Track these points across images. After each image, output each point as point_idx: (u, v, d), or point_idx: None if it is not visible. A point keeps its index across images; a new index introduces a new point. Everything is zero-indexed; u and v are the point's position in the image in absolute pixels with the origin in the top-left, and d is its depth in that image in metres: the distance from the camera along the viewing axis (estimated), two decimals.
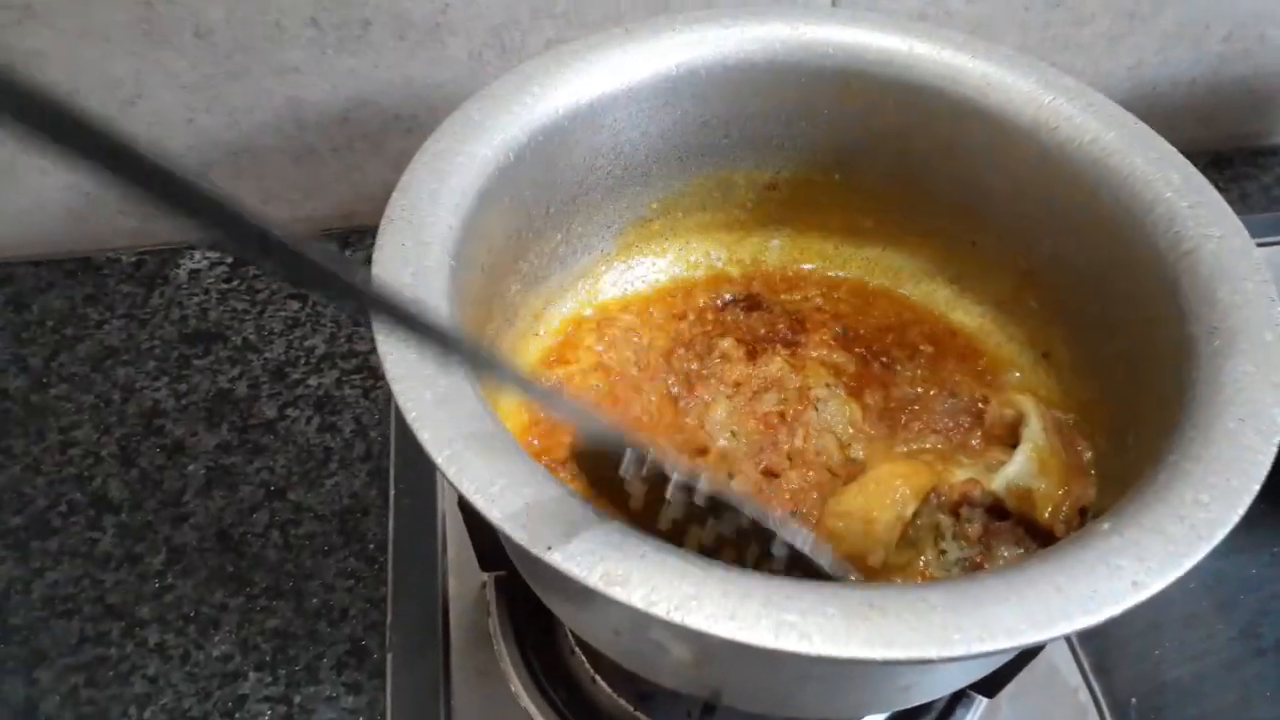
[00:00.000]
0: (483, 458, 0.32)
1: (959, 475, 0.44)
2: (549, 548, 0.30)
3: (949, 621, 0.29)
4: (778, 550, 0.34)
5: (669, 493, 0.34)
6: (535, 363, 0.49)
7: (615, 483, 0.35)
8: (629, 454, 0.34)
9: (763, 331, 0.52)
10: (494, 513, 0.31)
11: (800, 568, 0.35)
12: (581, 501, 0.32)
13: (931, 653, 0.28)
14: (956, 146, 0.48)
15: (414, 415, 0.32)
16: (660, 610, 0.29)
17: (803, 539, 0.35)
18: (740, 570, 0.30)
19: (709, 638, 0.29)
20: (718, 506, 0.35)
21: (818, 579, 0.34)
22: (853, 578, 0.38)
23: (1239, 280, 0.39)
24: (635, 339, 0.51)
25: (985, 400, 0.48)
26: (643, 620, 0.29)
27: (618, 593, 0.29)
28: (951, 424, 0.47)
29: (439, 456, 0.32)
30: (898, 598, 0.30)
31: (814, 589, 0.30)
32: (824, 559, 0.35)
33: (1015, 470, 0.44)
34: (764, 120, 0.50)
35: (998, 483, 0.43)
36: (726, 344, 0.50)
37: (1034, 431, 0.45)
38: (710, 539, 0.35)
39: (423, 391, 0.33)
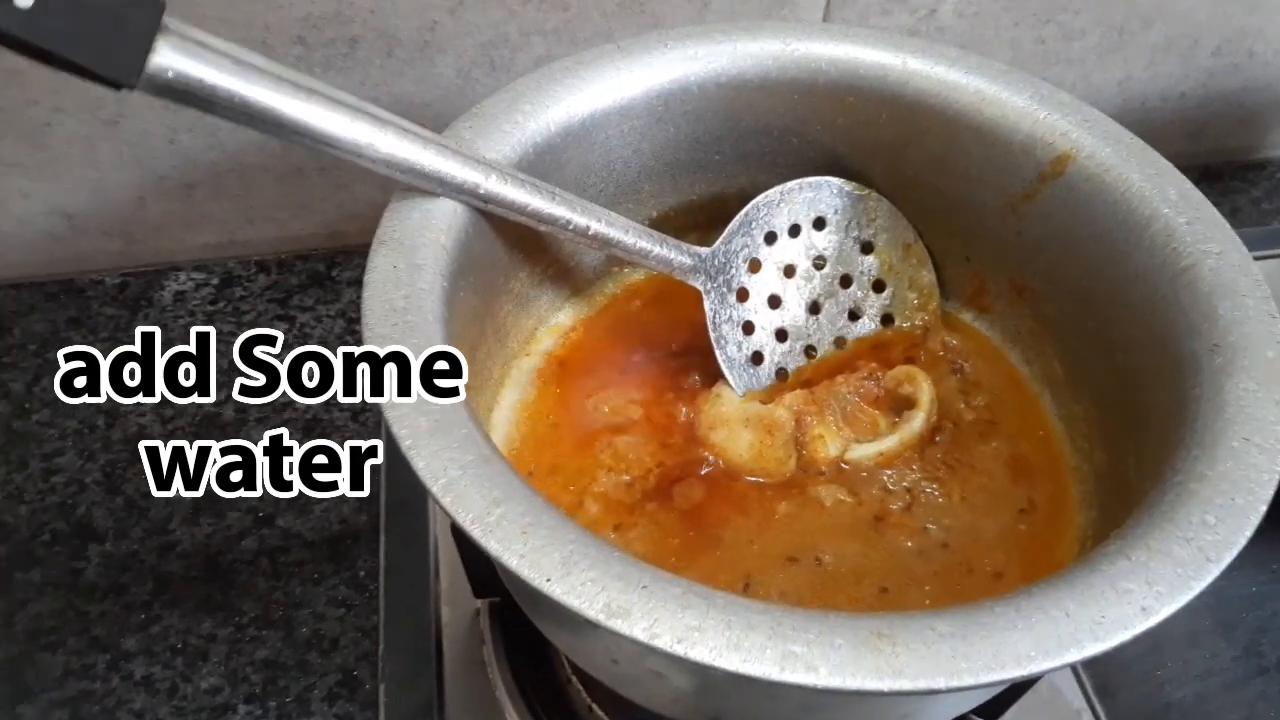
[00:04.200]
0: (479, 486, 0.31)
1: (830, 448, 0.46)
2: (548, 579, 0.29)
3: (957, 650, 0.28)
4: None
5: None
6: (527, 384, 0.49)
7: None
8: None
9: None
10: (491, 543, 0.30)
11: None
12: (580, 530, 0.31)
13: (940, 683, 0.28)
14: (950, 161, 0.48)
15: (409, 443, 0.32)
16: (663, 643, 0.28)
17: None
18: (744, 600, 0.29)
19: (713, 670, 0.28)
20: None
21: None
22: None
23: (1239, 296, 0.38)
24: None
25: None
26: (644, 652, 0.28)
27: (619, 625, 0.28)
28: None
29: (434, 485, 0.31)
30: (905, 626, 0.29)
31: (820, 618, 0.29)
32: None
33: (862, 453, 0.46)
34: (757, 137, 0.50)
35: (850, 454, 0.46)
36: None
37: (912, 430, 0.46)
38: None
39: (417, 418, 0.32)
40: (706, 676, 0.33)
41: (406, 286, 0.37)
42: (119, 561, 0.55)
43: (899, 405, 0.47)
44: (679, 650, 0.28)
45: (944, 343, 0.50)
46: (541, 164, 0.45)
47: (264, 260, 0.71)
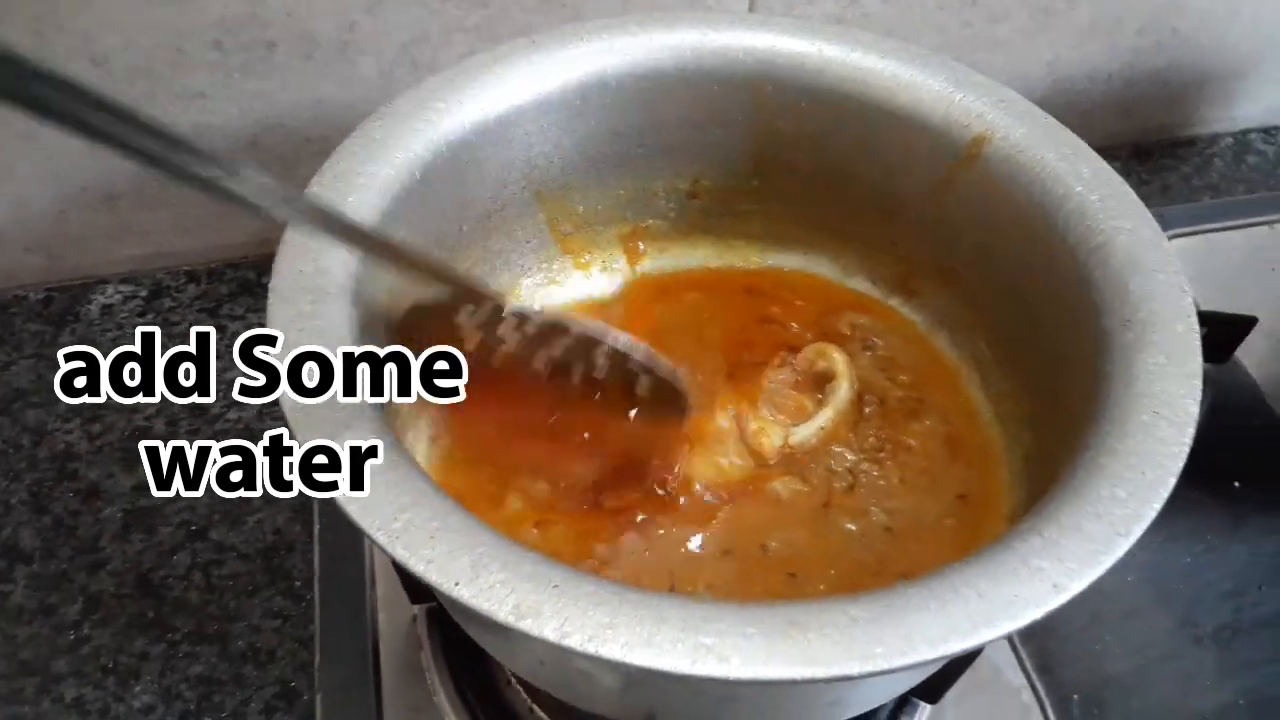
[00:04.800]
0: (386, 491, 0.31)
1: (773, 438, 0.45)
2: (456, 583, 0.29)
3: (871, 635, 0.28)
4: (600, 360, 0.39)
5: (502, 330, 0.38)
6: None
7: (448, 333, 0.38)
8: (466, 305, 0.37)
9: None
10: (398, 550, 0.29)
11: (631, 379, 0.39)
12: (491, 532, 0.30)
13: (854, 668, 0.28)
14: (871, 148, 0.48)
15: (311, 448, 0.31)
16: (574, 641, 0.28)
17: (631, 346, 0.39)
18: (657, 594, 0.29)
19: (626, 666, 0.28)
20: (549, 333, 0.39)
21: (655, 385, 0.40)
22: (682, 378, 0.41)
23: (1150, 272, 0.39)
24: None
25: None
26: (563, 652, 0.28)
27: (529, 625, 0.28)
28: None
29: (339, 491, 0.30)
30: (818, 613, 0.29)
31: (734, 609, 0.29)
32: (658, 364, 0.39)
33: (804, 433, 0.46)
34: (678, 128, 0.50)
35: (794, 439, 0.46)
36: None
37: (840, 398, 0.46)
38: (545, 363, 0.39)
39: (319, 423, 0.32)
40: (628, 674, 0.33)
41: (314, 291, 0.37)
42: (47, 582, 0.54)
43: (819, 384, 0.47)
44: (590, 648, 0.28)
45: (851, 323, 0.50)
46: (459, 162, 0.44)
47: (194, 270, 0.70)
